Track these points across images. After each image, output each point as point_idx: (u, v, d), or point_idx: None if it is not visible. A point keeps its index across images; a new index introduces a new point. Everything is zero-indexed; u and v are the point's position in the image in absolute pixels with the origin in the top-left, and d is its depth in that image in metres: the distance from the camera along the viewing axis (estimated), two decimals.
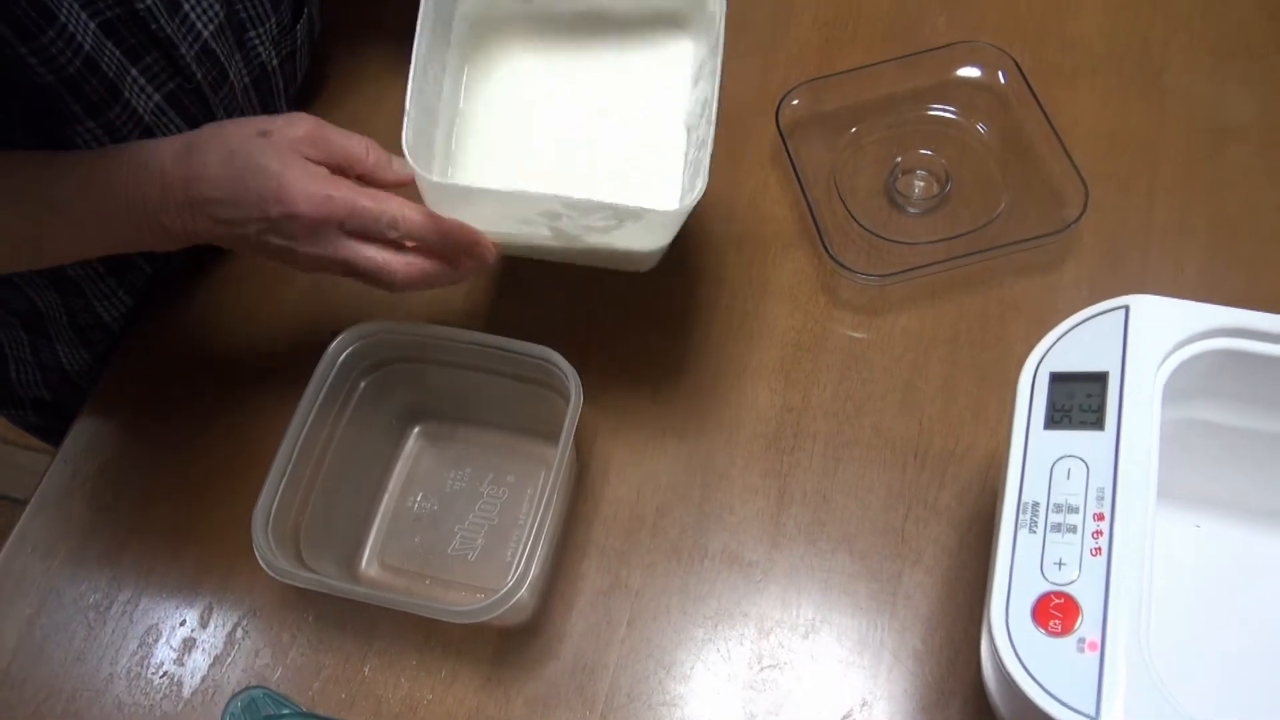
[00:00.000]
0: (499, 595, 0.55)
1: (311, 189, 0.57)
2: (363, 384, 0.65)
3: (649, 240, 0.62)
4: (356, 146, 0.60)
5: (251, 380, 0.73)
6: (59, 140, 0.63)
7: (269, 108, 0.77)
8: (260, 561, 0.57)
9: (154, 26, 0.64)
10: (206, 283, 0.77)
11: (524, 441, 0.69)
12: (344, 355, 0.63)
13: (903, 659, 0.60)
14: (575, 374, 0.60)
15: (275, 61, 0.76)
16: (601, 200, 0.55)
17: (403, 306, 0.70)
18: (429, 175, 0.57)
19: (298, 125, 0.59)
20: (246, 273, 0.77)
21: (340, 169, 0.60)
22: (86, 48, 0.60)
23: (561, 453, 0.58)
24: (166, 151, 0.59)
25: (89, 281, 0.73)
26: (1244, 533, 0.57)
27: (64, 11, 0.58)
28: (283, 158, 0.57)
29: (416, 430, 0.70)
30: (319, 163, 0.59)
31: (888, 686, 0.59)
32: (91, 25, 0.61)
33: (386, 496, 0.68)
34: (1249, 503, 0.57)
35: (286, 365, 0.71)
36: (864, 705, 0.59)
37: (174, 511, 0.68)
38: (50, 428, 0.85)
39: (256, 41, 0.74)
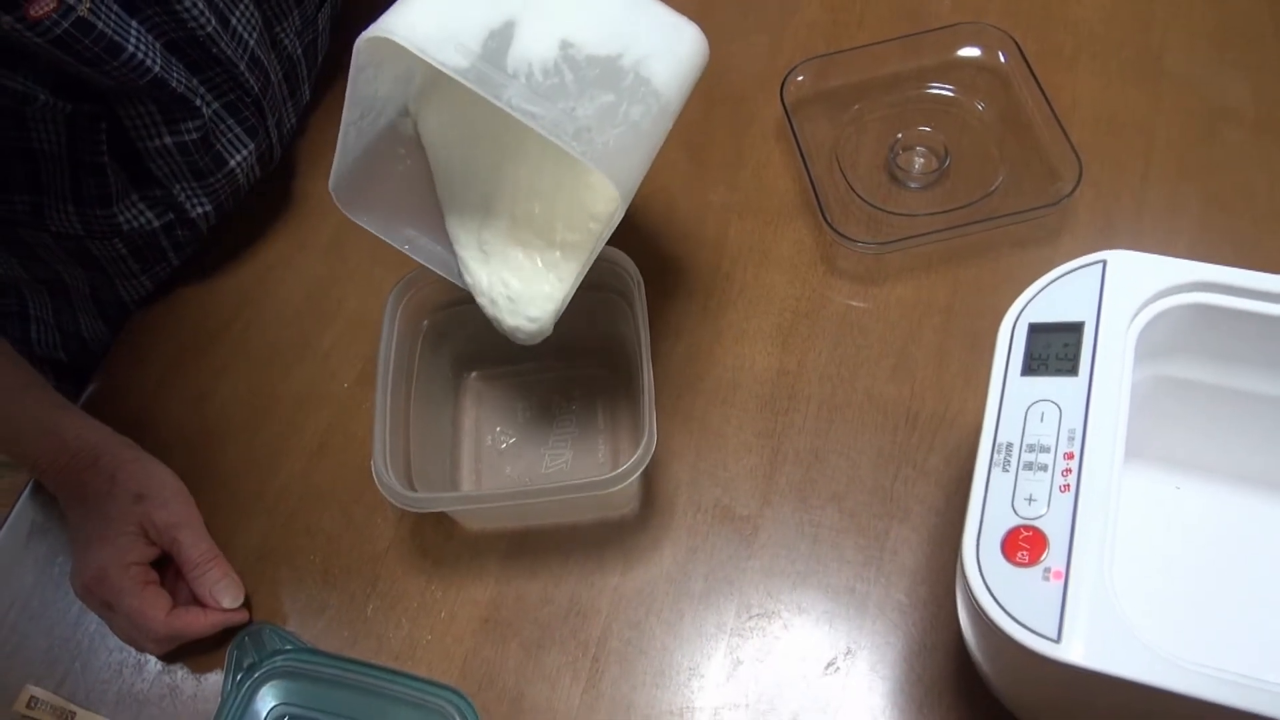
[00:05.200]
0: (635, 458, 0.57)
1: (96, 573, 0.62)
2: (425, 325, 0.67)
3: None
4: (193, 563, 0.64)
5: (255, 349, 0.75)
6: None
7: (295, 95, 0.81)
8: (394, 502, 0.58)
9: (215, 50, 0.68)
10: (223, 265, 0.80)
11: (573, 359, 0.71)
12: (404, 303, 0.65)
13: (886, 611, 0.61)
14: (628, 258, 0.63)
15: (299, 50, 0.79)
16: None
17: None
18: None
19: (169, 510, 0.64)
20: (263, 264, 0.80)
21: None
22: (156, 70, 0.64)
23: (642, 318, 0.61)
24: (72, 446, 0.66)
25: (112, 263, 0.75)
26: (1222, 493, 0.58)
27: (132, 40, 0.62)
28: (115, 538, 0.63)
29: (473, 376, 0.72)
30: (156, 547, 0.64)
31: (871, 637, 0.61)
32: (158, 45, 0.65)
33: (465, 440, 0.70)
34: (1226, 465, 0.59)
35: (285, 348, 0.73)
36: (848, 654, 0.60)
37: (189, 458, 0.70)
38: (64, 390, 0.88)
39: (283, 35, 0.77)
